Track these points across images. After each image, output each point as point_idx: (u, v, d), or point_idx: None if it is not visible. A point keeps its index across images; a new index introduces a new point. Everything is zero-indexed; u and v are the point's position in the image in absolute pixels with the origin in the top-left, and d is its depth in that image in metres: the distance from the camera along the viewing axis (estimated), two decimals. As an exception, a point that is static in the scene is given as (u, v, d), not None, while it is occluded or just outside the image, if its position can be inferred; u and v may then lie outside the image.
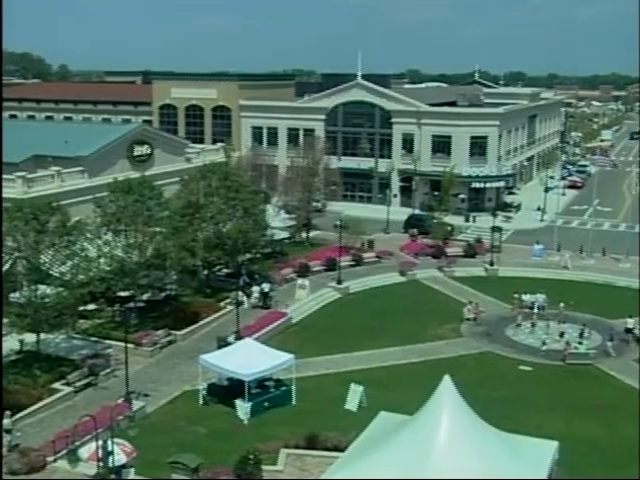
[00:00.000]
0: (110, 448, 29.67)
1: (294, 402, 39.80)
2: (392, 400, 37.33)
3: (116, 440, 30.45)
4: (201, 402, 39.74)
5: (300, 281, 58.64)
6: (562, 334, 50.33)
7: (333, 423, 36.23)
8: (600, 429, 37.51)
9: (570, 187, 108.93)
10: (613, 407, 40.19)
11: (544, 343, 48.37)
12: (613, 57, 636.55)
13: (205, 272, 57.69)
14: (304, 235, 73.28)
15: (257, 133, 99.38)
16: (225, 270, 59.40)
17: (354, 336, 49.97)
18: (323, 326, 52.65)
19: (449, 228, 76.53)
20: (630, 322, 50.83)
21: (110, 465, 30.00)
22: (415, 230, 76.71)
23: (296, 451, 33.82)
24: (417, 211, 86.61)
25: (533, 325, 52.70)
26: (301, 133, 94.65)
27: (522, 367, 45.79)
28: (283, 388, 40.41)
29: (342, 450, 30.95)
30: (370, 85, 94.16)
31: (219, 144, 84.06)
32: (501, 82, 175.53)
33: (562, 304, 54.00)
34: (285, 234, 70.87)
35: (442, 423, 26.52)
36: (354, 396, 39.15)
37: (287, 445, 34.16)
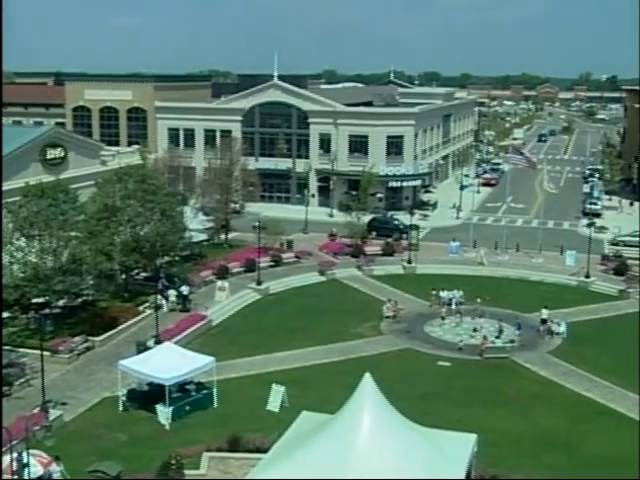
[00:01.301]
0: (25, 460, 28.95)
1: (216, 405, 39.53)
2: (314, 399, 37.54)
3: (32, 451, 29.74)
4: (121, 408, 39.09)
5: (219, 283, 58.32)
6: (477, 329, 51.38)
7: (255, 424, 36.14)
8: (516, 420, 38.43)
9: (484, 185, 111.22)
10: (528, 398, 41.25)
11: (461, 340, 49.27)
12: (523, 58, 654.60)
13: (123, 276, 56.78)
14: (223, 237, 72.88)
15: (174, 135, 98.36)
16: (143, 274, 58.52)
17: (275, 337, 50.00)
18: (244, 328, 52.48)
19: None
20: (544, 312, 52.40)
21: (26, 477, 29.27)
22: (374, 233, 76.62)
23: (219, 454, 33.60)
24: (335, 212, 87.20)
25: (460, 314, 54.13)
26: (218, 134, 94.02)
27: (441, 363, 46.54)
28: (204, 391, 40.16)
29: (265, 451, 30.90)
30: (287, 86, 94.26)
31: (135, 146, 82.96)
32: (416, 82, 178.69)
33: (479, 299, 55.14)
34: (203, 236, 70.46)
35: (363, 421, 26.73)
36: (276, 397, 39.15)
37: (209, 448, 33.92)
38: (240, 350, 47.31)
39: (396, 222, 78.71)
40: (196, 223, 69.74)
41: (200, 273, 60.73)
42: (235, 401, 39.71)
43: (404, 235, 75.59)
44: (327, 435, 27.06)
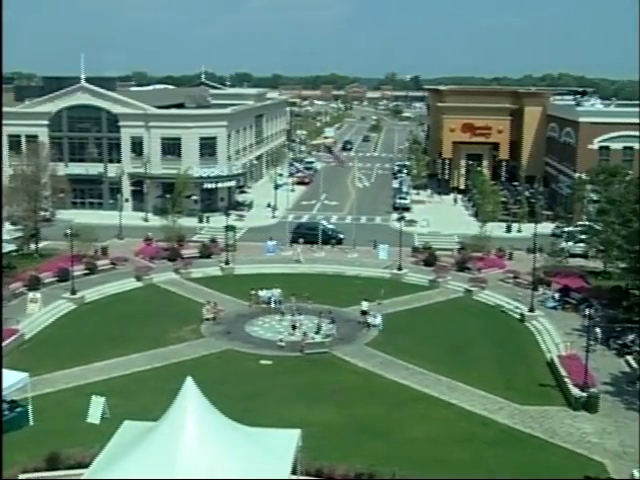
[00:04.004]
0: None
1: (32, 423, 37.84)
2: (137, 408, 36.85)
3: None
4: None
5: (31, 294, 55.95)
6: (296, 326, 52.17)
7: (76, 439, 34.91)
8: (337, 412, 39.43)
9: (298, 183, 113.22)
10: (348, 390, 42.40)
11: (281, 340, 49.89)
12: (332, 58, 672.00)
13: None
14: (33, 246, 69.97)
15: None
16: (-55, 290, 55.18)
17: (94, 346, 48.59)
18: (59, 339, 50.61)
19: (341, 235, 76.85)
20: (365, 305, 54.24)
21: None
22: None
23: (36, 475, 32.14)
24: (150, 216, 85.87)
25: (282, 313, 55.04)
26: (23, 139, 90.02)
27: (263, 361, 46.94)
28: (18, 409, 38.27)
29: (86, 466, 29.97)
30: (95, 88, 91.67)
31: None
32: (228, 83, 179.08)
33: (294, 297, 56.07)
34: (12, 246, 67.44)
35: (187, 425, 26.48)
36: (96, 408, 38.01)
37: (26, 469, 32.30)
38: (56, 363, 45.54)
39: (322, 227, 78.08)
40: (3, 233, 66.50)
41: (9, 285, 57.85)
42: (53, 417, 38.23)
43: (333, 240, 75.32)
44: (150, 442, 26.62)
